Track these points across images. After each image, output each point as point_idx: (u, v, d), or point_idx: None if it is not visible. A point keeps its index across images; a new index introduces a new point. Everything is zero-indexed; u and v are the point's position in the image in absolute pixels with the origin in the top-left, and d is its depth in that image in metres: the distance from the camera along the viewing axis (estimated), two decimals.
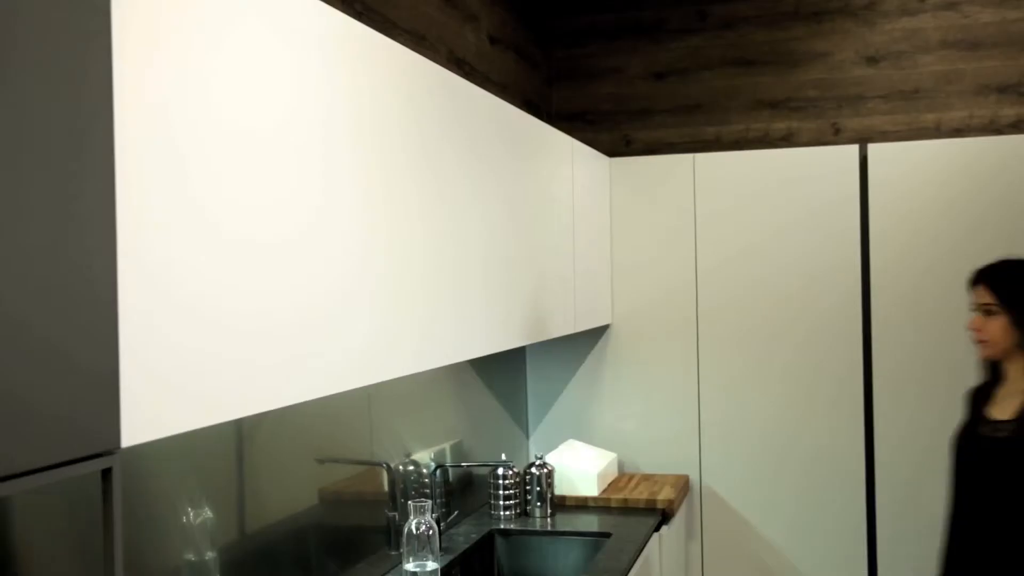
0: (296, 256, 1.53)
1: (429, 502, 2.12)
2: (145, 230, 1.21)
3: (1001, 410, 2.30)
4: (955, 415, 3.30)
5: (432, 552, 2.11)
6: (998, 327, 2.29)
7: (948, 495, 2.37)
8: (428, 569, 2.09)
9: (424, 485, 2.74)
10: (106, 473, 1.06)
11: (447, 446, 2.97)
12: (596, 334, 3.67)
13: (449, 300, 2.09)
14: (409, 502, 2.21)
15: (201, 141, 1.31)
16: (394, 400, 2.65)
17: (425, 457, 2.81)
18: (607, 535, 2.88)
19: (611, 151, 4.02)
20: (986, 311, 2.32)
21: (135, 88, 1.19)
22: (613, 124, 4.12)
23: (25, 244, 0.94)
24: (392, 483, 2.58)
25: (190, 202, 1.29)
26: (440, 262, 2.06)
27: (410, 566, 2.09)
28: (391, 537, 2.58)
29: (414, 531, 2.10)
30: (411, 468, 2.69)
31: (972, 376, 3.28)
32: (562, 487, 3.25)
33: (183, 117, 1.28)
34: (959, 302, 3.31)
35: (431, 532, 2.11)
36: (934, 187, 3.35)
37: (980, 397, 2.39)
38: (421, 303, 1.95)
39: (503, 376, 3.52)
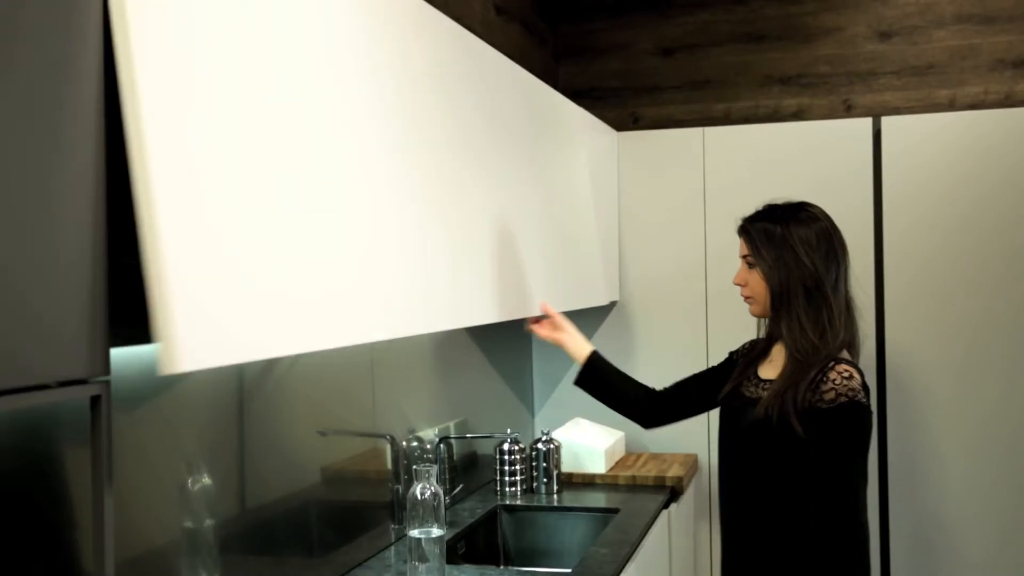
0: (331, 204, 1.47)
1: (434, 467, 2.06)
2: (178, 156, 1.15)
3: (769, 370, 2.12)
4: (970, 394, 3.24)
5: (437, 520, 2.04)
6: (757, 281, 2.08)
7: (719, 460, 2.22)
8: (433, 536, 2.03)
9: (429, 461, 2.68)
10: (95, 402, 1.00)
11: (451, 424, 2.91)
12: (603, 311, 3.61)
13: (465, 265, 2.02)
14: (413, 467, 2.15)
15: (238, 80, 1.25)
16: (398, 377, 2.58)
17: (430, 434, 2.75)
18: (615, 511, 2.82)
19: (618, 128, 3.95)
20: (748, 263, 2.11)
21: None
22: (620, 101, 4.05)
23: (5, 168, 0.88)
24: (396, 457, 2.52)
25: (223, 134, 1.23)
26: (462, 220, 2.00)
27: (415, 532, 2.03)
28: (395, 511, 2.52)
29: (419, 496, 2.04)
30: (415, 444, 2.63)
31: (990, 350, 3.23)
32: (569, 464, 3.19)
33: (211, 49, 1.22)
34: (974, 277, 3.24)
35: (436, 498, 2.04)
36: (949, 160, 3.28)
37: (759, 353, 2.20)
38: (444, 264, 1.90)
39: (508, 354, 3.46)
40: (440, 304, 1.86)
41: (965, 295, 3.25)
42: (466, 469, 3.00)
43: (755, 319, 2.22)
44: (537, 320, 2.42)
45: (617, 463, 3.33)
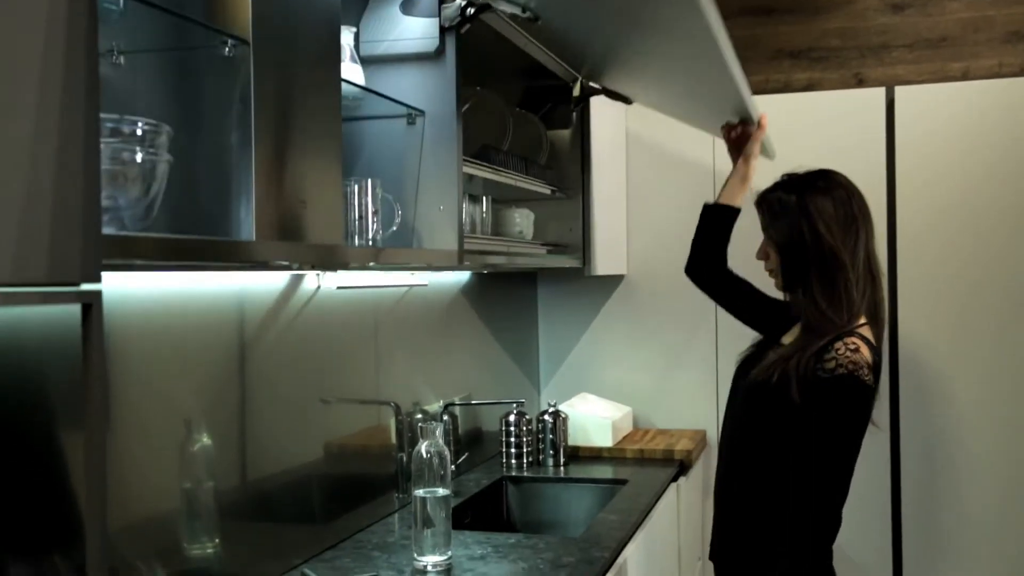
0: None
1: (440, 425, 2.01)
2: None
3: (790, 337, 2.06)
4: (985, 363, 3.18)
5: (443, 480, 1.99)
6: (776, 253, 2.02)
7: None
8: (439, 495, 1.97)
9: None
10: (86, 312, 0.95)
11: (456, 399, 2.85)
12: (610, 286, 3.55)
13: None
14: (418, 424, 2.10)
15: None
16: (402, 350, 2.53)
17: (435, 407, 2.70)
18: (623, 482, 2.77)
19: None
20: (767, 235, 2.05)
21: None
22: None
23: None
24: (400, 429, 2.45)
25: None
26: None
27: (420, 492, 1.98)
28: (399, 481, 2.47)
29: (423, 455, 1.98)
30: (419, 416, 2.58)
31: (1003, 319, 3.17)
32: (575, 438, 3.14)
33: None
34: (988, 249, 3.19)
35: (441, 457, 1.99)
36: (964, 131, 3.22)
37: (793, 320, 2.12)
38: None
39: (514, 329, 3.41)
40: None
41: (979, 267, 3.19)
42: (471, 444, 2.94)
43: (764, 292, 2.18)
44: (734, 129, 2.41)
45: (625, 438, 3.28)
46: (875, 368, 1.92)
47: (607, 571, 2.04)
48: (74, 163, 0.91)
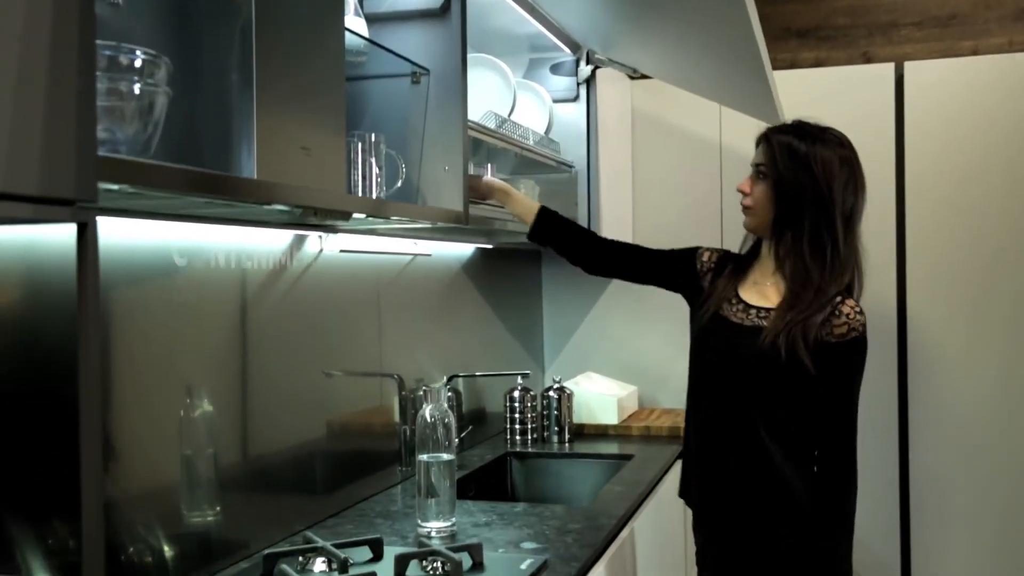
0: None
1: (444, 390, 1.97)
2: None
3: (757, 295, 2.00)
4: (996, 345, 3.14)
5: (447, 447, 1.95)
6: (763, 193, 1.97)
7: (688, 397, 2.08)
8: (443, 460, 1.94)
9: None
10: (81, 232, 0.92)
11: (460, 377, 2.82)
12: None
13: None
14: (422, 388, 2.06)
15: None
16: (405, 329, 2.49)
17: (438, 385, 2.66)
18: (629, 457, 2.74)
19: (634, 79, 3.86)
20: (758, 171, 1.98)
21: None
22: None
23: None
24: (404, 405, 2.41)
25: None
26: None
27: (424, 457, 1.94)
28: (403, 453, 2.43)
29: (428, 419, 1.95)
30: (422, 393, 2.54)
31: (1012, 292, 3.13)
32: (580, 416, 3.10)
33: None
34: (999, 228, 3.15)
35: (446, 423, 1.95)
36: (973, 108, 3.18)
37: (735, 271, 2.06)
38: None
39: (518, 307, 3.37)
40: None
41: (988, 245, 3.15)
42: (474, 422, 2.91)
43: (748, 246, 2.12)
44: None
45: (630, 416, 3.25)
46: None
47: (614, 538, 2.00)
48: (68, 79, 0.88)
